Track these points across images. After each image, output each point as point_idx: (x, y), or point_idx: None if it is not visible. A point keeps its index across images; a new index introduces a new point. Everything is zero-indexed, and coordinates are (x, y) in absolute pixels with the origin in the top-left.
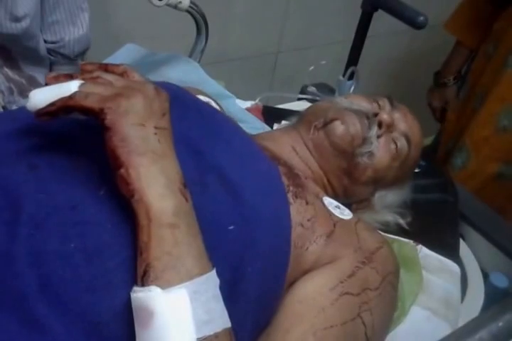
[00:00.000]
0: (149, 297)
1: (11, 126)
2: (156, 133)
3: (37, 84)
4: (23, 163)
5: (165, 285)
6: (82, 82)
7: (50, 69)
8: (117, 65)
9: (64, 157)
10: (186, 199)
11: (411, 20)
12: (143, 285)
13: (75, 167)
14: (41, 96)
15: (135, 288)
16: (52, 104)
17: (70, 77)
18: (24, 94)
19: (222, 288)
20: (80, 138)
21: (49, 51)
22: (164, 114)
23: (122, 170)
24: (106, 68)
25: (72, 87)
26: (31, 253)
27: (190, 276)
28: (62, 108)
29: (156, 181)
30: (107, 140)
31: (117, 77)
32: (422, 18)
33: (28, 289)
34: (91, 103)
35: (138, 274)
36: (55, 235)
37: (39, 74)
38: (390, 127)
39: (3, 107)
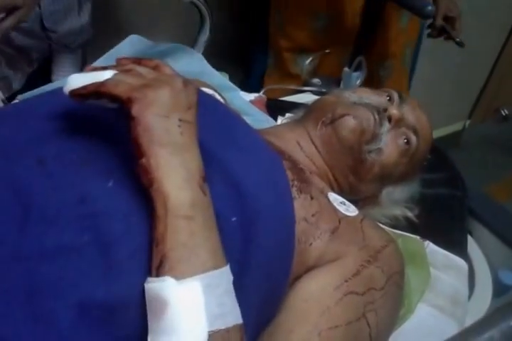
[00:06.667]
0: (163, 287)
1: (16, 121)
2: (179, 126)
3: (28, 56)
4: (31, 156)
5: (179, 277)
6: (116, 72)
7: (52, 59)
8: (150, 60)
9: (71, 149)
10: (204, 193)
11: (419, 10)
12: (157, 275)
13: (82, 159)
14: (77, 81)
15: (149, 279)
16: (84, 88)
17: (105, 68)
18: (12, 65)
19: None
20: (86, 130)
21: (51, 40)
22: (190, 107)
23: (143, 160)
24: (139, 62)
25: (106, 75)
26: (43, 250)
27: (204, 269)
28: (93, 92)
29: (175, 173)
30: (131, 129)
31: (149, 70)
32: (429, 8)
33: (41, 284)
34: (120, 91)
35: (153, 265)
36: (68, 230)
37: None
38: (399, 122)
39: (3, 101)
